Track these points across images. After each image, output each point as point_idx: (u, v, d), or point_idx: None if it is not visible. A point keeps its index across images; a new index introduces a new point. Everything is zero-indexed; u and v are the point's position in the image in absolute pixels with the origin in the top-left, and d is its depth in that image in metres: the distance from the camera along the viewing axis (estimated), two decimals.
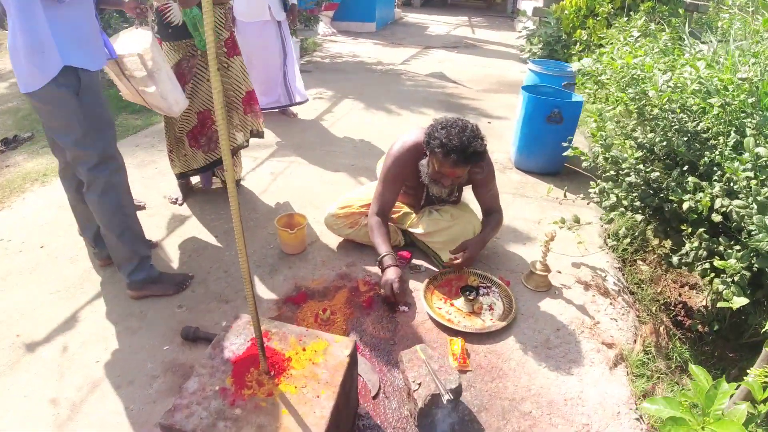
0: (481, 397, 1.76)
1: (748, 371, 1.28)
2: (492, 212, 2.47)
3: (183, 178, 2.96)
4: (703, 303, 2.52)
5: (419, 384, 1.57)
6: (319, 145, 3.99)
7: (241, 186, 3.24)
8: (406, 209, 2.62)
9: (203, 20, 1.01)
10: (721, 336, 2.28)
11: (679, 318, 2.43)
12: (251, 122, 2.93)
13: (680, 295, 2.62)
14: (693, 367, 1.18)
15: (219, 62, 2.63)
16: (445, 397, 1.53)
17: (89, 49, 1.83)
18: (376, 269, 2.43)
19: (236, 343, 1.49)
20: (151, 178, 3.30)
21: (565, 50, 6.19)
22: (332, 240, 2.68)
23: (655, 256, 2.84)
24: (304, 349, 1.46)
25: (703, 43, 4.24)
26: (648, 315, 2.33)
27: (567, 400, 1.77)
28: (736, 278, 1.77)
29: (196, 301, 2.22)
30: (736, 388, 1.34)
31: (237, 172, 3.13)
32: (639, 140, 2.33)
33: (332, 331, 2.02)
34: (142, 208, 2.93)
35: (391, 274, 2.15)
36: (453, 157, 2.03)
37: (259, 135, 3.02)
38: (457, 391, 1.58)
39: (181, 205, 2.99)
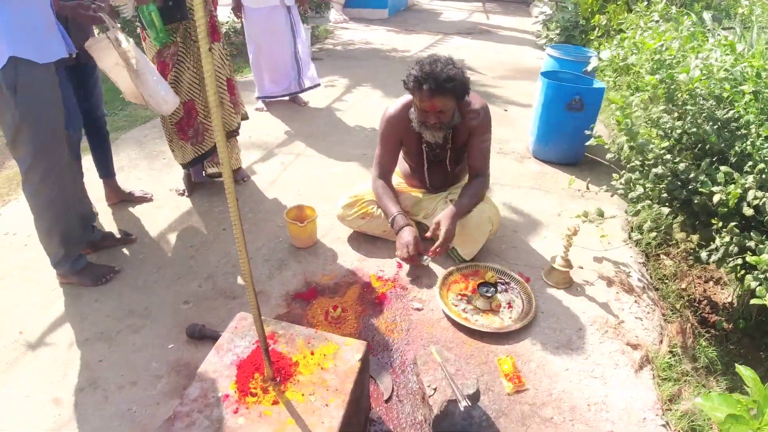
0: (500, 402, 1.66)
1: None
2: (477, 174, 2.35)
3: (187, 168, 2.88)
4: (729, 299, 2.40)
5: (435, 389, 1.48)
6: (331, 135, 3.89)
7: (248, 178, 3.14)
8: (415, 192, 2.54)
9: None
10: (747, 334, 2.16)
11: (704, 315, 2.31)
12: (233, 112, 2.83)
13: (705, 290, 2.50)
14: (740, 368, 1.09)
15: (198, 47, 2.52)
16: (462, 404, 1.44)
17: (39, 41, 1.73)
18: (389, 264, 2.34)
19: (241, 345, 1.41)
20: (159, 170, 3.24)
21: (583, 36, 6.00)
22: (343, 233, 2.59)
23: (680, 250, 2.71)
24: (312, 353, 1.37)
25: (724, 29, 4.05)
26: (673, 313, 2.22)
27: (590, 405, 1.67)
28: None
29: (203, 297, 2.16)
30: None
31: (234, 160, 3.03)
32: (668, 125, 2.20)
33: (343, 330, 1.94)
34: (149, 200, 2.86)
35: (407, 235, 2.18)
36: (426, 86, 2.02)
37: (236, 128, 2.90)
38: (475, 397, 1.49)
39: (188, 196, 2.91)
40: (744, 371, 1.08)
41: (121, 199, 2.83)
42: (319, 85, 4.42)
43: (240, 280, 2.25)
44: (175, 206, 2.83)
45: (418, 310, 2.07)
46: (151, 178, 3.13)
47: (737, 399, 1.01)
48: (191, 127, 2.67)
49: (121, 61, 2.14)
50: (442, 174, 2.47)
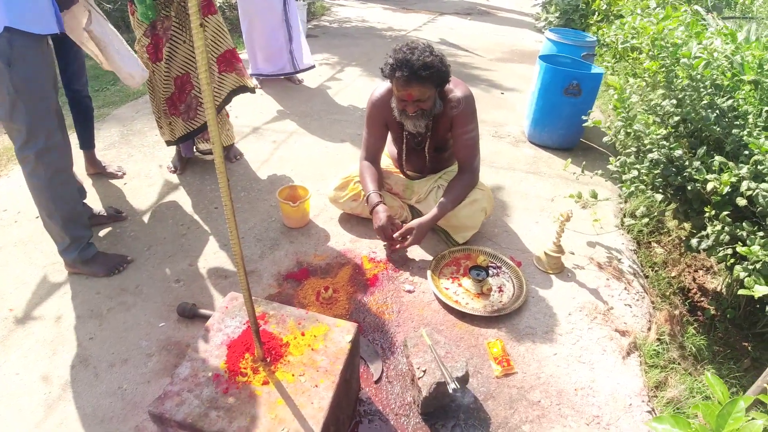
0: (488, 385, 1.68)
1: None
2: (464, 169, 2.27)
3: (174, 145, 2.83)
4: (719, 288, 2.43)
5: (424, 371, 1.49)
6: (324, 114, 3.85)
7: (240, 156, 3.11)
8: (400, 176, 2.50)
9: None
10: (734, 324, 2.19)
11: (693, 303, 2.34)
12: (232, 80, 2.75)
13: (695, 279, 2.53)
14: (709, 377, 1.08)
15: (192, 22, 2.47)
16: (451, 386, 1.45)
17: (37, 12, 1.66)
18: (381, 245, 2.34)
19: (231, 325, 1.41)
20: (151, 146, 3.19)
21: (583, 20, 5.93)
22: (336, 213, 2.58)
23: (671, 238, 2.73)
24: (303, 334, 1.37)
25: (723, 18, 4.02)
26: (662, 300, 2.24)
27: (577, 390, 1.69)
28: (758, 266, 1.67)
29: (194, 276, 2.15)
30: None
31: (224, 137, 2.98)
32: (665, 110, 2.18)
33: (334, 311, 1.94)
34: (119, 176, 2.82)
35: (382, 218, 2.16)
36: (400, 74, 1.95)
37: (248, 90, 2.82)
38: (464, 379, 1.51)
39: (180, 174, 2.88)
40: (713, 380, 1.07)
41: (97, 171, 2.81)
42: (313, 66, 4.36)
43: (231, 260, 2.24)
44: (166, 183, 2.81)
45: (410, 292, 2.08)
46: (143, 155, 3.09)
47: (688, 421, 0.99)
48: (183, 101, 2.62)
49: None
50: (420, 162, 2.41)
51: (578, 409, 1.63)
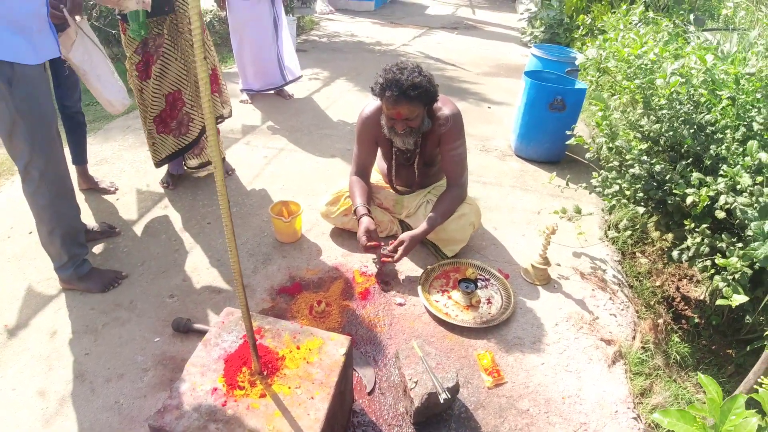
0: (478, 395, 1.73)
1: (761, 384, 1.24)
2: (452, 184, 2.33)
3: (160, 166, 2.85)
4: (702, 297, 2.50)
5: (416, 382, 1.53)
6: (315, 129, 3.90)
7: (232, 172, 3.15)
8: (390, 191, 2.55)
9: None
10: (718, 331, 2.26)
11: (678, 311, 2.41)
12: (218, 102, 2.84)
13: (678, 288, 2.60)
14: (702, 377, 1.14)
15: (185, 39, 2.53)
16: (442, 396, 1.49)
17: (31, 42, 1.69)
18: (372, 259, 2.38)
19: (228, 340, 1.44)
20: (143, 161, 3.22)
21: (568, 34, 6.07)
22: (327, 228, 2.62)
23: (655, 248, 2.81)
24: (298, 348, 1.41)
25: (705, 30, 4.15)
26: (647, 309, 2.31)
27: (565, 398, 1.75)
28: (737, 276, 1.74)
29: (188, 291, 2.17)
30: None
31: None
32: (645, 129, 2.27)
33: (327, 324, 1.98)
34: (112, 192, 2.85)
35: (362, 228, 2.19)
36: (389, 93, 2.00)
37: (225, 118, 2.93)
38: (455, 390, 1.55)
39: (172, 189, 2.91)
40: (706, 381, 1.13)
41: (89, 186, 2.84)
42: (301, 77, 4.43)
43: (224, 275, 2.27)
44: (159, 199, 2.83)
45: (400, 305, 2.12)
46: (135, 170, 3.12)
47: (693, 415, 1.05)
48: (174, 118, 2.66)
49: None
50: (409, 178, 2.46)
51: (566, 416, 1.68)
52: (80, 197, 2.75)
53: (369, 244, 2.16)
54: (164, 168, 3.00)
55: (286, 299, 2.13)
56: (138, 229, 2.57)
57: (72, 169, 2.71)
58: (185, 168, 3.03)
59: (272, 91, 4.38)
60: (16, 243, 2.42)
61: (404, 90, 1.98)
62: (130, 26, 2.35)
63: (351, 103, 4.51)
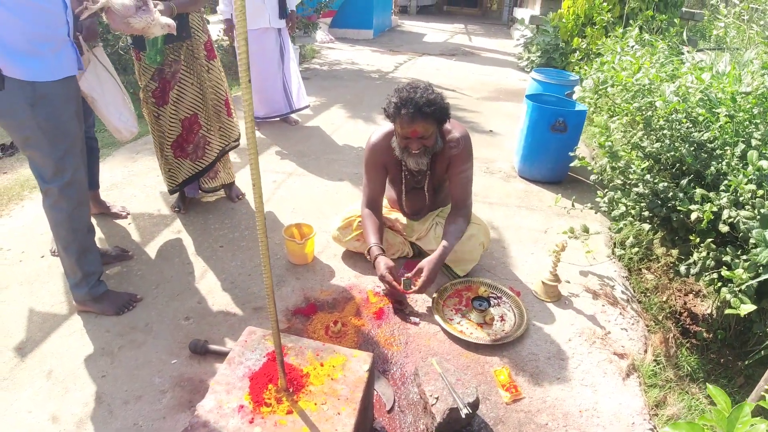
0: (497, 410, 1.74)
1: (766, 390, 1.27)
2: (459, 206, 2.35)
3: (173, 193, 2.91)
4: (709, 311, 2.53)
5: (437, 398, 1.55)
6: (322, 153, 3.98)
7: (243, 196, 3.20)
8: (401, 218, 2.57)
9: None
10: (726, 344, 2.28)
11: (686, 326, 2.43)
12: (233, 125, 2.93)
13: (685, 303, 2.63)
14: (711, 388, 1.17)
15: (200, 64, 2.63)
16: (464, 411, 1.51)
17: (47, 58, 1.74)
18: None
19: (252, 358, 1.46)
20: (154, 186, 3.27)
21: (564, 58, 6.23)
22: (339, 250, 2.66)
23: (660, 264, 2.85)
24: (321, 365, 1.44)
25: (699, 51, 4.28)
26: (656, 324, 2.33)
27: (582, 412, 1.76)
28: (743, 287, 1.78)
29: (203, 313, 2.20)
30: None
31: (225, 176, 3.09)
32: (646, 150, 2.34)
33: (344, 344, 2.00)
34: (123, 216, 2.90)
35: (381, 267, 2.17)
36: (405, 111, 2.04)
37: (236, 141, 3.01)
38: (475, 405, 1.57)
39: (184, 213, 2.96)
40: (714, 391, 1.15)
41: (100, 211, 2.88)
42: (308, 106, 4.53)
43: (239, 298, 2.29)
44: (171, 223, 2.87)
45: (415, 324, 2.15)
46: (146, 195, 3.17)
47: (701, 426, 1.07)
48: (191, 142, 2.73)
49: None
50: (420, 201, 2.48)
51: (584, 430, 1.69)
52: (92, 222, 2.79)
53: (391, 281, 2.14)
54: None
55: (301, 320, 2.16)
56: (151, 252, 2.60)
57: None
58: (199, 191, 3.08)
59: (278, 118, 4.47)
60: (28, 267, 2.45)
61: (420, 107, 2.03)
62: (147, 53, 2.42)
63: (355, 128, 4.60)
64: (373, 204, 2.42)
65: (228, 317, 2.18)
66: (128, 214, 2.93)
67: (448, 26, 12.14)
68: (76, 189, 1.96)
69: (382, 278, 2.18)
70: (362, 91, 5.83)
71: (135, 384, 1.84)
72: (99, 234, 2.72)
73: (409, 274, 2.19)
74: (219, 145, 2.85)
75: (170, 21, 2.24)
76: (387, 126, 2.34)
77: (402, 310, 2.22)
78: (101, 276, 2.17)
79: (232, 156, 3.70)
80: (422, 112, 2.03)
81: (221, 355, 1.93)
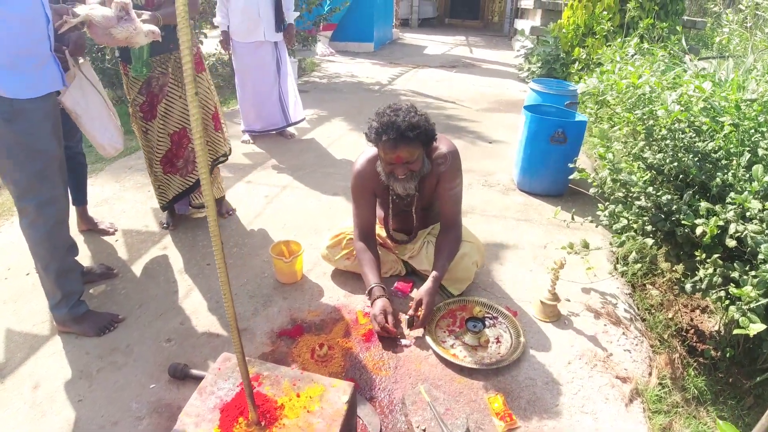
0: None
1: None
2: (450, 224, 2.25)
3: (165, 209, 2.84)
4: (716, 327, 2.42)
5: (424, 430, 1.45)
6: (317, 167, 3.90)
7: (233, 212, 3.12)
8: (389, 242, 2.47)
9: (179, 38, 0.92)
10: (734, 362, 2.17)
11: (692, 344, 2.32)
12: (224, 141, 2.85)
13: (692, 319, 2.51)
14: (721, 425, 1.07)
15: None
16: None
17: (26, 75, 1.68)
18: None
19: (224, 387, 1.37)
20: (143, 202, 3.21)
21: (564, 69, 6.16)
22: (329, 268, 2.56)
23: (665, 279, 2.73)
24: (298, 395, 1.34)
25: (701, 59, 4.20)
26: (661, 343, 2.22)
27: None
28: (752, 305, 1.67)
29: (186, 334, 2.11)
30: None
31: (215, 191, 3.00)
32: (648, 161, 2.24)
33: (330, 368, 1.90)
34: (111, 233, 2.82)
35: (377, 307, 2.05)
36: (387, 137, 1.92)
37: (225, 156, 2.92)
38: None
39: (172, 230, 2.88)
40: (725, 427, 1.06)
41: (88, 228, 2.81)
42: (304, 119, 4.48)
43: (224, 318, 2.21)
44: (158, 240, 2.80)
45: (406, 346, 2.04)
46: (135, 211, 3.10)
47: None
48: (181, 157, 2.66)
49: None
50: (408, 223, 2.39)
51: None
52: (79, 239, 2.73)
53: (386, 326, 2.02)
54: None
55: (287, 342, 2.06)
56: (137, 270, 2.52)
57: (71, 210, 2.71)
58: (189, 207, 3.01)
59: (273, 132, 4.41)
60: (13, 285, 2.38)
61: (402, 132, 1.91)
62: (133, 65, 2.36)
63: (352, 141, 4.53)
64: (366, 235, 2.30)
65: (211, 339, 2.09)
66: (116, 230, 2.86)
67: (450, 38, 12.14)
68: (54, 207, 1.89)
69: (374, 318, 2.05)
70: (361, 103, 5.78)
71: (112, 409, 1.75)
72: (85, 251, 2.65)
73: (412, 312, 2.07)
74: (210, 159, 2.79)
75: (154, 28, 2.18)
76: (371, 150, 2.22)
77: (393, 339, 2.07)
78: (82, 296, 2.10)
79: (223, 171, 3.64)
80: (405, 137, 1.92)
81: (201, 380, 1.83)
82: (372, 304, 2.11)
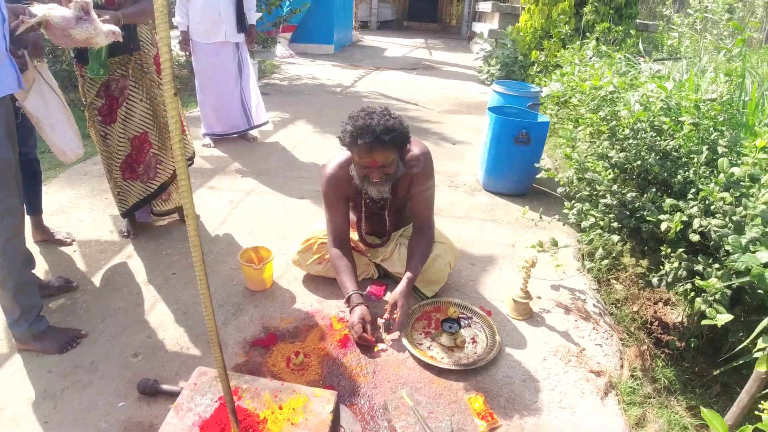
0: None
1: (760, 408, 1.20)
2: (422, 226, 2.24)
3: (125, 216, 2.72)
4: (679, 319, 2.51)
5: None
6: (282, 171, 3.84)
7: (197, 218, 3.03)
8: (361, 245, 2.45)
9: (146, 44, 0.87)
10: (699, 351, 2.26)
11: (658, 335, 2.40)
12: (189, 146, 2.78)
13: (655, 312, 2.60)
14: (705, 412, 1.10)
15: (150, 79, 2.47)
16: None
17: None
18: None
19: (202, 404, 1.32)
20: (101, 210, 3.06)
21: (523, 71, 6.31)
22: (300, 274, 2.52)
23: (627, 274, 2.82)
24: (280, 408, 1.30)
25: (655, 61, 4.38)
26: (629, 336, 2.29)
27: None
28: (717, 296, 1.74)
29: (153, 348, 2.02)
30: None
31: (179, 197, 2.89)
32: (613, 160, 2.31)
33: (307, 377, 1.86)
34: (68, 243, 2.68)
35: (355, 316, 2.02)
36: (363, 141, 1.88)
37: (190, 160, 2.85)
38: None
39: (134, 239, 2.76)
40: (709, 415, 1.09)
41: (44, 238, 2.66)
42: (267, 122, 4.40)
43: (192, 330, 2.13)
44: (119, 250, 2.68)
45: (383, 350, 2.02)
46: (92, 219, 2.95)
47: None
48: (141, 162, 2.55)
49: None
50: (381, 226, 2.37)
51: None
52: (35, 250, 2.57)
53: (364, 335, 1.99)
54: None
55: (260, 352, 2.00)
56: (97, 282, 2.40)
57: (26, 221, 2.55)
58: (151, 215, 2.89)
59: (236, 135, 4.31)
60: None
61: (378, 135, 1.88)
62: (90, 66, 2.24)
63: (316, 144, 4.49)
64: (340, 241, 2.26)
65: (181, 353, 2.01)
66: (73, 240, 2.71)
67: (409, 41, 12.22)
68: (10, 218, 1.77)
69: (352, 327, 2.02)
70: (323, 105, 5.73)
71: (80, 430, 1.65)
72: (42, 263, 2.50)
73: (387, 315, 2.06)
74: (172, 165, 2.69)
75: (115, 28, 2.08)
76: (343, 154, 2.18)
77: (369, 347, 2.05)
78: (41, 310, 1.98)
79: None
80: (381, 141, 1.89)
81: (173, 396, 1.76)
82: (350, 312, 2.07)
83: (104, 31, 2.01)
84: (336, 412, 1.32)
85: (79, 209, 3.07)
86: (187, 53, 3.96)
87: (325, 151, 4.31)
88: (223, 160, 3.97)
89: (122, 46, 2.24)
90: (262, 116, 4.29)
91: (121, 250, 2.68)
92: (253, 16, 3.90)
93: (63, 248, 2.65)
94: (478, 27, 9.90)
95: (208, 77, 3.91)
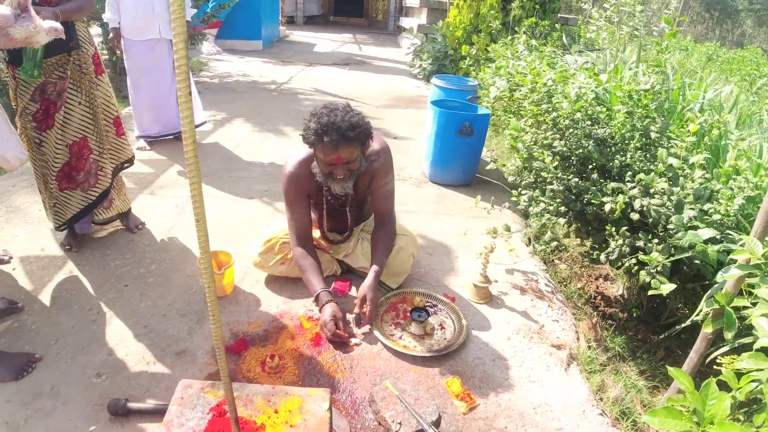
0: (456, 422, 1.71)
1: (720, 361, 1.35)
2: (384, 220, 2.30)
3: (62, 230, 2.55)
4: (620, 292, 2.74)
5: (400, 423, 1.49)
6: (226, 172, 3.74)
7: (142, 226, 2.89)
8: (323, 242, 2.46)
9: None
10: (641, 320, 2.48)
11: (602, 308, 2.61)
12: (127, 147, 2.67)
13: (597, 287, 2.82)
14: (672, 371, 1.23)
15: (89, 80, 2.34)
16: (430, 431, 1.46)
17: None
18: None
19: (193, 417, 1.29)
20: (36, 223, 2.85)
21: (454, 65, 6.49)
22: (261, 276, 2.49)
23: (569, 254, 3.03)
24: (276, 411, 1.30)
25: (577, 53, 4.68)
26: (578, 310, 2.47)
27: (536, 408, 1.80)
28: (659, 268, 1.93)
29: (116, 367, 1.93)
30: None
31: (121, 203, 2.77)
32: (557, 149, 2.46)
33: (285, 379, 1.86)
34: (7, 261, 2.49)
35: (327, 314, 2.04)
36: (328, 138, 1.90)
37: (130, 162, 2.74)
38: (438, 423, 1.53)
39: (77, 251, 2.60)
40: (676, 373, 1.22)
41: None
42: (206, 122, 4.26)
43: (155, 343, 2.05)
44: (63, 264, 2.51)
45: (357, 345, 2.06)
46: (28, 233, 2.74)
47: (679, 411, 1.13)
48: (81, 169, 2.40)
49: None
50: (342, 222, 2.39)
51: (542, 426, 1.72)
52: None
53: (337, 332, 2.01)
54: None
55: (233, 359, 1.97)
56: (45, 300, 2.24)
57: None
58: (93, 225, 2.73)
59: (171, 137, 4.14)
60: None
61: (343, 132, 1.90)
62: (23, 67, 2.08)
63: (258, 143, 4.41)
64: (303, 240, 2.26)
65: (147, 368, 1.93)
66: (11, 257, 2.51)
67: (337, 36, 12.17)
68: None
69: (324, 325, 2.03)
70: (260, 103, 5.61)
71: None
72: None
73: (357, 310, 2.09)
74: (111, 169, 2.56)
75: (57, 25, 1.94)
76: (302, 152, 2.19)
77: (343, 343, 2.07)
78: None
79: (127, 181, 3.35)
80: (346, 137, 1.91)
81: (147, 414, 1.70)
82: (321, 310, 2.09)
83: (45, 28, 1.88)
84: (331, 410, 1.35)
85: (12, 224, 2.84)
86: (118, 52, 3.75)
87: (267, 149, 4.25)
88: (162, 163, 3.80)
89: (60, 45, 2.10)
90: (200, 116, 4.15)
91: (65, 264, 2.51)
92: (189, 12, 3.74)
93: (1, 267, 2.45)
94: (406, 22, 10.04)
95: (143, 76, 3.71)
